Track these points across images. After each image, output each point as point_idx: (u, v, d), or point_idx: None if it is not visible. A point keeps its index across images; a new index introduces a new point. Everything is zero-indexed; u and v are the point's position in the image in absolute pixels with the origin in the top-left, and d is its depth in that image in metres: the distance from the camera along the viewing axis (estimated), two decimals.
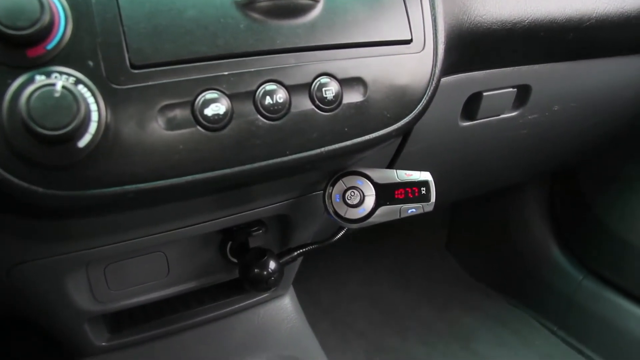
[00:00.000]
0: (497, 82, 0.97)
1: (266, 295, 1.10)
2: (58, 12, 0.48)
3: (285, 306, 1.13)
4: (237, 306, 1.06)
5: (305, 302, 1.25)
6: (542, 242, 1.91)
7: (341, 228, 0.89)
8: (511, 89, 1.00)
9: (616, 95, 1.22)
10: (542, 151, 1.35)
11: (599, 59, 1.07)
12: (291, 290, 1.17)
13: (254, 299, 1.09)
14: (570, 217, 1.86)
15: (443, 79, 0.84)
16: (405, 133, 0.83)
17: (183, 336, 1.02)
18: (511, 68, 0.96)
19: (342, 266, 2.07)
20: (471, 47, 0.81)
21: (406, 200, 0.76)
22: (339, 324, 1.81)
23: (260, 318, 1.09)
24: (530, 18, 0.85)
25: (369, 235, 2.14)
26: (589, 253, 1.79)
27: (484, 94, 0.96)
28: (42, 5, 0.45)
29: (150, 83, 0.52)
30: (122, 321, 0.99)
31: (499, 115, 1.04)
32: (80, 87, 0.47)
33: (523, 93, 1.03)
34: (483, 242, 2.12)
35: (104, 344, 0.95)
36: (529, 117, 1.09)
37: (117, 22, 0.51)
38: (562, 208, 1.89)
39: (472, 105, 0.98)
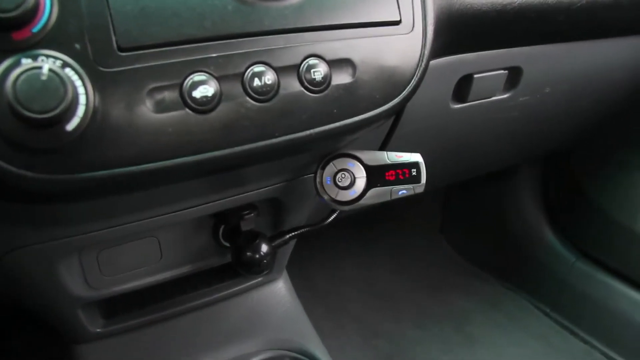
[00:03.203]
0: (488, 64, 0.97)
1: (260, 279, 1.10)
2: None
3: (279, 290, 1.14)
4: (231, 290, 1.07)
5: (301, 287, 1.25)
6: (536, 225, 1.92)
7: (333, 211, 0.89)
8: (502, 71, 1.00)
9: (608, 78, 1.22)
10: (534, 134, 1.35)
11: (590, 41, 1.07)
12: (285, 274, 1.17)
13: (248, 283, 1.09)
14: (563, 200, 1.87)
15: (434, 61, 0.84)
16: (395, 114, 0.83)
17: (178, 321, 1.03)
18: (502, 50, 0.96)
19: (338, 251, 2.08)
20: (461, 28, 0.81)
21: (397, 182, 0.76)
22: (334, 309, 1.82)
23: (254, 302, 1.10)
24: None
25: (365, 221, 2.15)
26: (581, 235, 1.81)
27: (475, 76, 0.96)
28: None
29: (137, 66, 0.51)
30: (116, 307, 0.99)
31: (490, 97, 1.04)
32: (68, 70, 0.47)
33: (514, 75, 1.03)
34: (477, 226, 2.13)
35: (98, 330, 0.96)
36: (520, 99, 1.09)
37: (104, 4, 0.50)
38: (555, 191, 1.90)
39: (463, 88, 0.98)
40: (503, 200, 2.00)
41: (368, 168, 0.76)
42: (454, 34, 0.80)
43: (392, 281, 1.99)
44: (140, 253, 0.88)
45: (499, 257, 2.04)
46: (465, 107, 1.01)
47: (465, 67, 0.94)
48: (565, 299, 1.80)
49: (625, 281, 1.64)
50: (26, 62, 0.46)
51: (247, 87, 0.56)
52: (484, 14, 0.83)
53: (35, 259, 0.75)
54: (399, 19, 0.66)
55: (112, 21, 0.51)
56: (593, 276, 1.72)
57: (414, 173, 0.77)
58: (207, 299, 1.04)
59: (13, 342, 1.34)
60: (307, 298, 1.71)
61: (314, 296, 1.86)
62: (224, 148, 0.56)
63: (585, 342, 1.71)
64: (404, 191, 0.77)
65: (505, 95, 1.06)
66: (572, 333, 1.75)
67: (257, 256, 0.82)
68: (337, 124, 0.63)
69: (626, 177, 1.61)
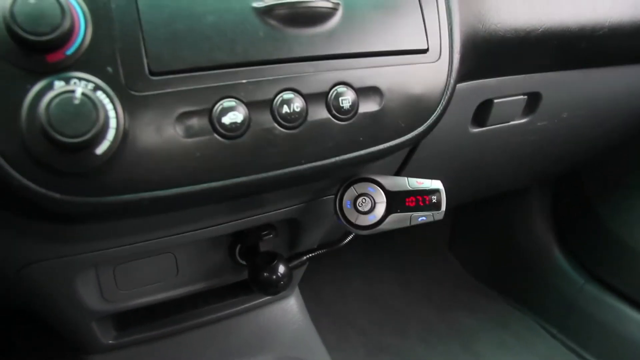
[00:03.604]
0: (508, 90, 0.97)
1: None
2: (78, 18, 0.47)
3: (290, 307, 1.14)
4: (243, 307, 1.07)
5: (306, 298, 1.25)
6: (545, 245, 1.91)
7: (349, 232, 0.89)
8: (522, 97, 1.00)
9: (626, 104, 1.22)
10: (550, 157, 1.35)
11: (610, 67, 1.07)
12: (296, 291, 1.17)
13: (260, 300, 1.09)
14: (574, 221, 1.86)
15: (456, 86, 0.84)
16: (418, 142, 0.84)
17: (189, 335, 1.03)
18: (522, 75, 0.96)
19: (345, 264, 2.08)
20: (485, 55, 0.81)
21: (417, 209, 0.76)
22: (339, 321, 1.82)
23: (265, 319, 1.10)
24: (544, 26, 0.85)
25: (372, 234, 2.14)
26: (591, 257, 1.80)
27: (495, 101, 0.96)
28: (63, 10, 0.45)
29: (168, 90, 0.52)
30: (129, 320, 0.99)
31: (509, 122, 1.04)
32: (99, 93, 0.47)
33: (533, 100, 1.03)
34: (486, 244, 2.12)
35: (110, 341, 0.96)
36: (538, 123, 1.09)
37: (137, 27, 0.51)
38: (565, 212, 1.90)
39: (482, 112, 0.98)
40: (513, 219, 2.00)
41: (388, 193, 0.76)
42: (478, 60, 0.80)
43: (398, 296, 1.98)
44: (156, 268, 0.88)
45: (507, 275, 2.03)
46: (484, 131, 1.01)
47: (485, 92, 0.94)
48: (573, 321, 1.79)
49: (634, 305, 1.63)
50: (59, 85, 0.46)
51: (276, 113, 0.56)
52: (507, 40, 0.83)
53: (53, 273, 0.75)
54: (426, 47, 0.66)
55: (144, 45, 0.51)
56: (602, 299, 1.71)
57: (434, 200, 0.76)
58: (219, 314, 1.04)
59: (22, 352, 1.34)
60: (313, 310, 1.70)
61: (320, 308, 1.86)
62: (251, 174, 0.56)
63: None
64: (424, 218, 0.77)
65: (523, 120, 1.06)
66: (579, 356, 1.73)
67: (275, 277, 0.82)
68: (362, 152, 0.63)
69: (637, 199, 1.61)
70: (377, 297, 1.96)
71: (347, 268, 2.07)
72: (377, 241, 2.18)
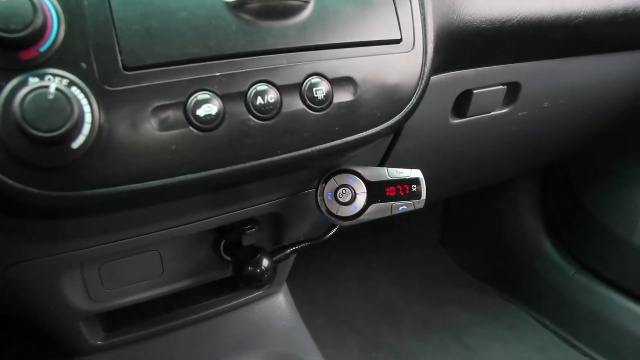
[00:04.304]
0: (487, 80, 0.98)
1: (260, 292, 1.10)
2: (51, 15, 0.48)
3: (279, 303, 1.14)
4: (231, 304, 1.07)
5: (301, 298, 1.26)
6: (535, 237, 1.92)
7: (333, 225, 0.90)
8: (501, 87, 1.01)
9: (605, 92, 1.23)
10: (533, 147, 1.36)
11: (587, 57, 1.08)
12: (285, 287, 1.17)
13: (248, 297, 1.09)
14: (562, 212, 1.88)
15: (433, 77, 0.85)
16: (395, 131, 0.84)
17: (178, 334, 1.03)
18: (501, 66, 0.97)
19: (337, 263, 2.08)
20: (461, 45, 0.82)
21: (397, 198, 0.77)
22: (334, 321, 1.82)
23: (254, 315, 1.10)
24: (519, 16, 0.86)
25: (364, 232, 2.15)
26: (580, 248, 1.81)
27: (474, 91, 0.97)
28: (34, 8, 0.45)
29: (142, 84, 0.52)
30: (117, 320, 0.99)
31: (490, 112, 1.05)
32: (74, 89, 0.48)
33: (513, 90, 1.04)
34: (477, 238, 2.13)
35: (99, 342, 0.96)
36: (519, 114, 1.10)
37: (110, 24, 0.51)
38: (553, 203, 1.91)
39: (462, 103, 0.98)
40: (502, 213, 2.01)
41: (368, 184, 0.77)
42: (453, 51, 0.81)
43: (391, 293, 1.99)
44: (142, 267, 0.88)
45: (498, 268, 2.04)
46: (464, 122, 1.02)
47: (464, 83, 0.95)
48: (565, 311, 1.80)
49: (624, 293, 1.64)
50: (33, 81, 0.46)
51: (250, 105, 0.57)
52: (483, 30, 0.84)
53: (37, 272, 0.75)
54: (399, 38, 0.67)
55: (117, 41, 0.51)
56: (592, 288, 1.73)
57: (414, 189, 0.77)
58: (207, 312, 1.05)
59: (9, 354, 1.34)
60: (307, 310, 1.71)
61: (314, 308, 1.86)
62: (227, 165, 0.57)
63: (585, 354, 1.71)
64: (404, 207, 0.77)
65: (504, 110, 1.07)
66: (572, 345, 1.75)
67: (258, 271, 0.83)
68: (339, 142, 0.63)
69: (624, 189, 1.62)
70: (371, 295, 1.97)
71: (340, 267, 2.07)
72: (369, 239, 2.19)
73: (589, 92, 1.19)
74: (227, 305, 1.07)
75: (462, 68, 0.92)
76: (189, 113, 0.54)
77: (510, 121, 1.11)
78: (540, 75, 1.05)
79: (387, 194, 0.77)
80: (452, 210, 2.21)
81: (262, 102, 0.57)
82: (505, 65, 0.97)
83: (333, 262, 2.08)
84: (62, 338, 0.94)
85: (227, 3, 0.56)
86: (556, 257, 1.86)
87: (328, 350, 1.58)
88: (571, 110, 1.21)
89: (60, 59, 0.49)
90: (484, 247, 2.10)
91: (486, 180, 1.65)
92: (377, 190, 0.77)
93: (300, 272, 1.81)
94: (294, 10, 0.60)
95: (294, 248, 0.90)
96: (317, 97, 0.60)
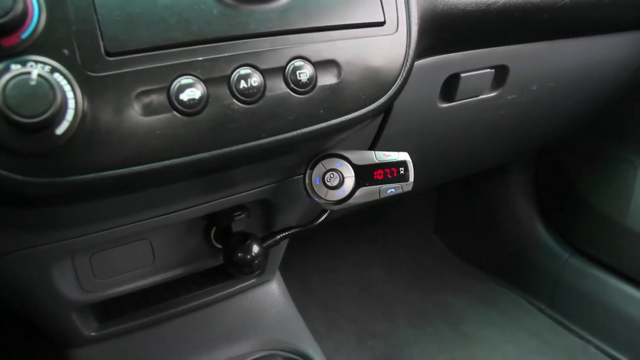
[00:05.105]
0: (474, 63, 0.98)
1: (253, 280, 1.11)
2: (31, 2, 0.48)
3: (272, 291, 1.14)
4: (224, 292, 1.07)
5: (295, 288, 1.26)
6: (528, 223, 1.93)
7: (324, 211, 0.90)
8: (489, 70, 1.01)
9: (594, 75, 1.24)
10: (523, 131, 1.36)
11: (575, 39, 1.08)
12: (278, 275, 1.18)
13: (241, 285, 1.10)
14: (555, 197, 1.89)
15: (420, 61, 0.85)
16: (382, 114, 0.84)
17: (172, 324, 1.03)
18: (488, 49, 0.97)
19: (332, 253, 2.09)
20: (446, 28, 0.82)
21: (385, 181, 0.77)
22: (329, 310, 1.83)
23: (247, 303, 1.11)
24: None
25: (358, 222, 2.16)
26: (573, 232, 1.82)
27: (462, 75, 0.97)
28: None
29: (125, 70, 0.52)
30: (110, 311, 0.99)
31: (478, 96, 1.05)
32: (56, 75, 0.48)
33: (501, 73, 1.04)
34: (470, 225, 2.14)
35: (92, 333, 0.96)
36: (508, 97, 1.10)
37: (91, 10, 0.51)
38: (546, 188, 1.92)
39: (450, 87, 0.99)
40: (495, 199, 2.02)
41: (356, 167, 0.77)
42: (439, 34, 0.81)
43: (386, 281, 2.00)
44: (133, 256, 0.89)
45: (493, 255, 2.05)
46: (453, 106, 1.02)
47: (451, 67, 0.95)
48: (559, 295, 1.81)
49: (618, 276, 1.65)
50: (15, 68, 0.46)
51: (234, 89, 0.57)
52: (468, 13, 0.84)
53: (28, 263, 0.76)
54: (383, 20, 0.67)
55: (99, 27, 0.51)
56: (586, 272, 1.74)
57: (402, 172, 0.78)
58: (200, 301, 1.05)
59: (3, 347, 1.34)
60: (302, 300, 1.72)
61: (309, 298, 1.87)
62: (212, 150, 0.57)
63: (580, 337, 1.72)
64: (393, 190, 0.78)
65: (492, 94, 1.07)
66: (567, 328, 1.76)
67: (249, 257, 0.83)
68: (324, 125, 0.63)
69: (615, 172, 1.63)
70: (366, 284, 1.98)
71: (335, 257, 2.08)
72: (363, 228, 2.20)
73: (577, 74, 1.19)
74: (221, 294, 1.07)
75: (449, 52, 0.92)
76: (173, 98, 0.54)
77: (499, 105, 1.11)
78: (528, 58, 1.05)
79: (375, 177, 0.77)
80: (446, 198, 2.22)
81: (246, 85, 0.57)
82: (493, 48, 0.98)
83: (327, 252, 2.08)
84: (55, 330, 0.94)
85: None
86: (550, 242, 1.87)
87: (324, 339, 1.59)
88: (560, 94, 1.22)
89: (42, 45, 0.49)
90: (478, 234, 2.11)
91: (478, 165, 1.66)
92: (364, 174, 0.77)
93: (295, 263, 1.82)
94: None
95: (284, 234, 0.90)
96: (300, 80, 0.60)
